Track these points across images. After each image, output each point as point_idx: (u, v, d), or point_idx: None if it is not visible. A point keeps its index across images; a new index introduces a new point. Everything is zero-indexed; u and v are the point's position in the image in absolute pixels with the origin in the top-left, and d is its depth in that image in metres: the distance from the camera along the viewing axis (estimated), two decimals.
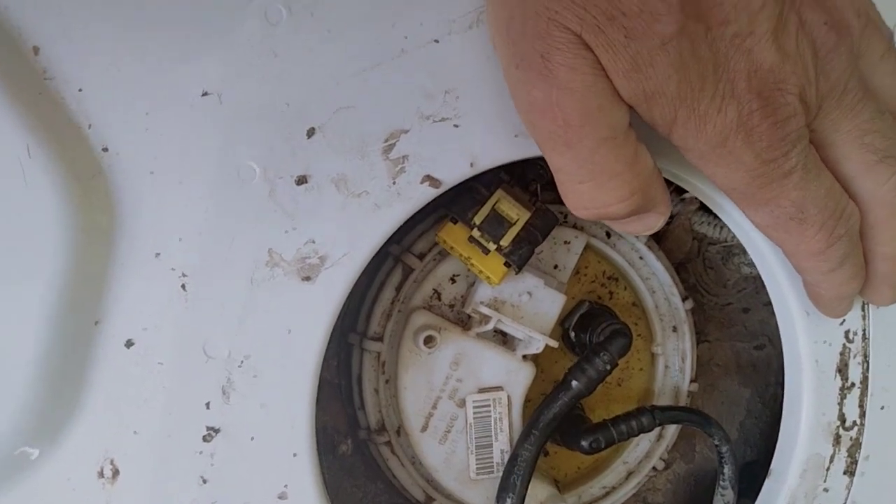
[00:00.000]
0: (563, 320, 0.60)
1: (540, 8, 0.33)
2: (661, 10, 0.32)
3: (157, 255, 0.43)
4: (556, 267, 0.58)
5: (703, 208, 0.58)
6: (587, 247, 0.58)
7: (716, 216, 0.56)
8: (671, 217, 0.57)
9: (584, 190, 0.38)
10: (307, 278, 0.45)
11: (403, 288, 0.56)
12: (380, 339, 0.55)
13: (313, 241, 0.45)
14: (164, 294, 0.43)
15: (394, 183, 0.46)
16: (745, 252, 0.59)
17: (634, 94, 0.35)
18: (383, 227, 0.45)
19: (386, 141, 0.45)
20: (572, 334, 0.60)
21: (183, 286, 0.43)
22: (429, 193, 0.46)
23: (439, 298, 0.57)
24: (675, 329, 0.62)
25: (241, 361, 0.45)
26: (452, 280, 0.57)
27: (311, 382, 0.44)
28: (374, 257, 0.46)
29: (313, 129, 0.44)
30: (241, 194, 0.44)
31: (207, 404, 0.44)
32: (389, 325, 0.56)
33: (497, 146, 0.45)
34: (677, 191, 0.56)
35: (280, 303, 0.45)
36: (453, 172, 0.46)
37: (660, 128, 0.37)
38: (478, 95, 0.44)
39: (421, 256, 0.55)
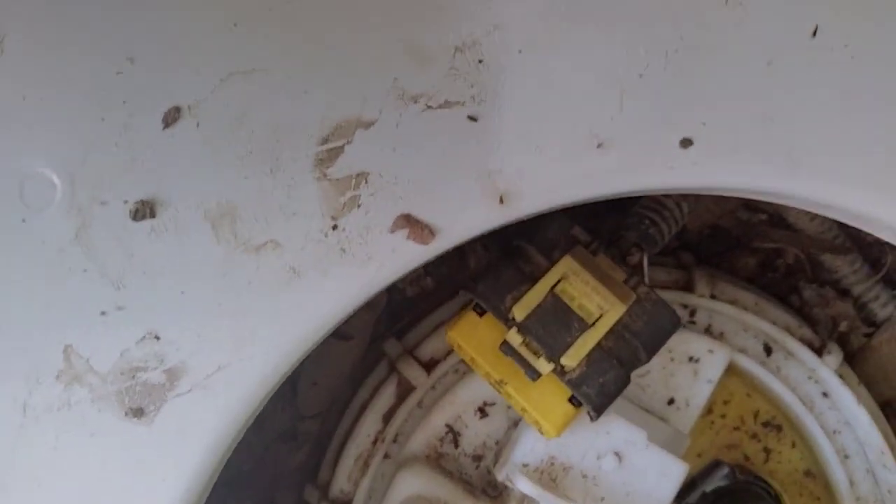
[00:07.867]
0: (681, 493, 0.46)
1: None
2: None
3: None
4: (671, 402, 0.45)
5: None
6: (730, 369, 0.46)
7: None
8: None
9: None
10: (137, 411, 0.32)
11: (395, 418, 0.44)
12: None
13: (156, 337, 0.32)
14: None
15: (334, 227, 0.31)
16: None
17: None
18: (310, 316, 0.31)
19: (325, 142, 0.31)
20: None
21: None
22: (408, 255, 0.32)
23: (455, 443, 0.43)
24: None
25: None
26: (482, 411, 0.43)
27: None
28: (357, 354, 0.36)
29: (177, 109, 0.31)
30: (23, 229, 0.31)
31: None
32: (365, 483, 0.44)
33: (567, 165, 0.31)
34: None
35: (79, 459, 0.31)
36: (465, 213, 0.32)
37: None
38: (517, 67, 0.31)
39: (429, 366, 0.44)
